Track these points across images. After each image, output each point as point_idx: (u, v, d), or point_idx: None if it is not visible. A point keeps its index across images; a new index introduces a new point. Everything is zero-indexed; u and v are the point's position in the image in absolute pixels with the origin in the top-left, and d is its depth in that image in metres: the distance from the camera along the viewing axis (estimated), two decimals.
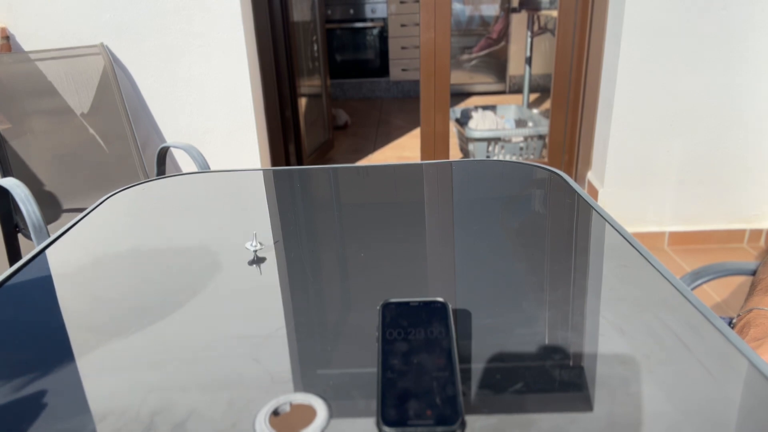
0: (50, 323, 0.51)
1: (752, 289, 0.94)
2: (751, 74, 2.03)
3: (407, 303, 0.47)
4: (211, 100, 2.16)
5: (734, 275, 1.01)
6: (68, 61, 1.95)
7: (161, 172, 1.69)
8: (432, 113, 2.55)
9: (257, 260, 0.62)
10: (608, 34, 2.15)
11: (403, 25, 4.77)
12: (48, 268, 0.62)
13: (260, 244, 0.66)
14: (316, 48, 3.19)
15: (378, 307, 0.47)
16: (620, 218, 2.22)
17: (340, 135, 3.97)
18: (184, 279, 0.59)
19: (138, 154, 1.96)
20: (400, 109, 4.67)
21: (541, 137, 2.85)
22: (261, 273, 0.60)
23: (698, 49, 2.01)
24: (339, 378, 0.43)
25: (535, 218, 0.71)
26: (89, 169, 1.93)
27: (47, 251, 0.66)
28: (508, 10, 4.51)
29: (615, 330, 0.47)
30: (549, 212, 0.73)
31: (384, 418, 0.36)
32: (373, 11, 4.76)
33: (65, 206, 1.84)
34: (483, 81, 4.83)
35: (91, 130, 1.96)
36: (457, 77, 4.81)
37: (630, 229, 2.26)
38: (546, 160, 2.69)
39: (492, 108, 3.21)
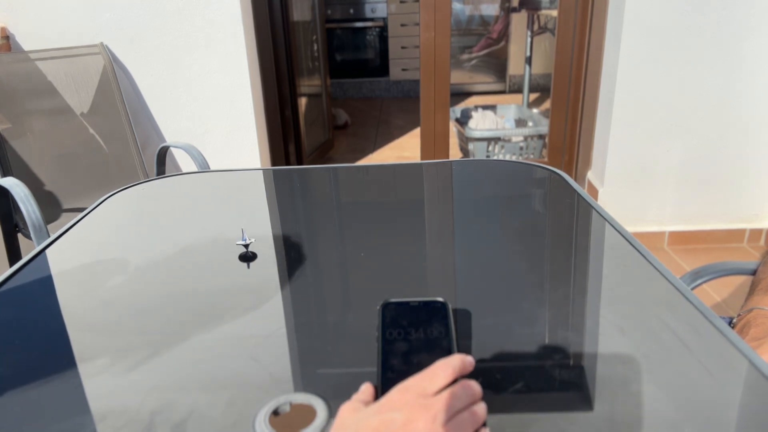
0: (50, 323, 0.51)
1: (752, 288, 0.94)
2: (751, 74, 2.03)
3: (407, 303, 0.47)
4: (211, 99, 2.15)
5: (734, 275, 1.01)
6: (68, 60, 1.95)
7: (161, 171, 1.69)
8: (432, 113, 2.55)
9: (257, 260, 0.62)
10: (608, 34, 2.14)
11: (403, 25, 4.76)
12: (48, 268, 0.62)
13: (249, 239, 0.66)
14: (316, 48, 3.19)
15: (378, 307, 0.47)
16: (620, 218, 2.22)
17: (340, 135, 3.97)
18: (184, 279, 0.59)
19: (138, 154, 1.96)
20: (400, 108, 4.67)
21: (541, 137, 2.85)
22: (261, 273, 0.60)
23: (698, 49, 2.01)
24: (339, 378, 0.43)
25: (535, 218, 0.71)
26: (89, 169, 1.93)
27: (47, 251, 0.66)
28: (508, 10, 4.51)
29: (615, 330, 0.47)
30: (549, 212, 0.73)
31: None
32: (373, 11, 4.76)
33: (65, 206, 1.84)
34: (483, 81, 4.83)
35: (91, 130, 1.96)
36: (457, 77, 4.80)
37: (630, 229, 2.26)
38: (546, 159, 2.69)
39: (492, 108, 3.21)
